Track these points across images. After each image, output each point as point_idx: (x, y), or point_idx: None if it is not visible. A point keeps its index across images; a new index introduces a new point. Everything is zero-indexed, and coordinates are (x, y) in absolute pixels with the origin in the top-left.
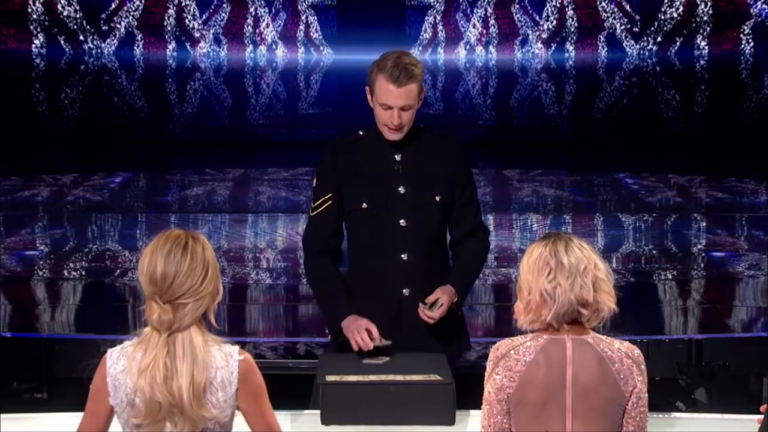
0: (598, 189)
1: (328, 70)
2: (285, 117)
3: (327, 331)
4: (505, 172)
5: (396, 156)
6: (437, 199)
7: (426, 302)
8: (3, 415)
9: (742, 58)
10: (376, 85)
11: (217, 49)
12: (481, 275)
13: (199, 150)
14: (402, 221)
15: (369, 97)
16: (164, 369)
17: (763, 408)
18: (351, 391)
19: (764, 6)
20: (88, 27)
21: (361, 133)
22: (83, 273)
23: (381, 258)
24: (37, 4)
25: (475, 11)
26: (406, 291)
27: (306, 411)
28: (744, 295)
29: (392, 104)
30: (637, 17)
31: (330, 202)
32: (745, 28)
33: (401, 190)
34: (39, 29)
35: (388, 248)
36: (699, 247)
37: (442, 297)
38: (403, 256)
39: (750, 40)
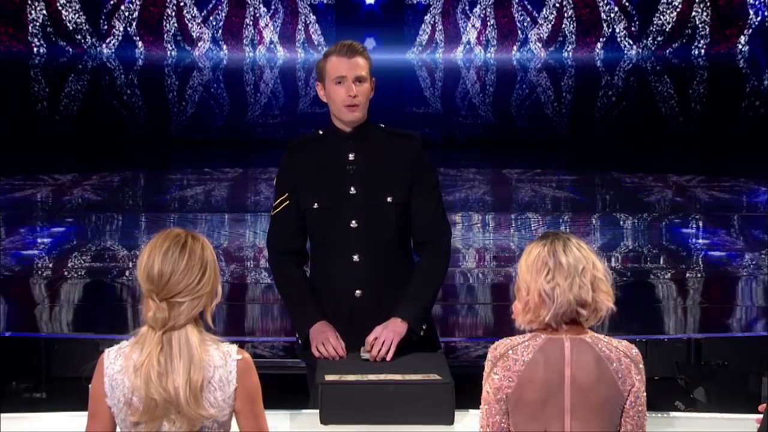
0: (596, 188)
1: None
2: (284, 116)
3: (296, 336)
4: (505, 172)
5: (350, 155)
6: (389, 200)
7: (366, 347)
8: (2, 415)
9: (740, 57)
10: (326, 68)
11: (216, 48)
12: (480, 275)
13: (198, 149)
14: (353, 222)
15: (321, 92)
16: (158, 366)
17: (762, 407)
18: (350, 391)
19: (763, 6)
20: (87, 27)
21: (320, 132)
22: (82, 272)
23: (333, 258)
24: (37, 5)
25: (474, 11)
26: (358, 292)
27: (305, 410)
28: (743, 294)
29: (345, 74)
30: (636, 17)
31: (287, 202)
32: (744, 28)
33: (352, 190)
34: (39, 29)
35: (339, 249)
36: (698, 246)
37: (383, 333)
38: (354, 257)
39: (749, 40)
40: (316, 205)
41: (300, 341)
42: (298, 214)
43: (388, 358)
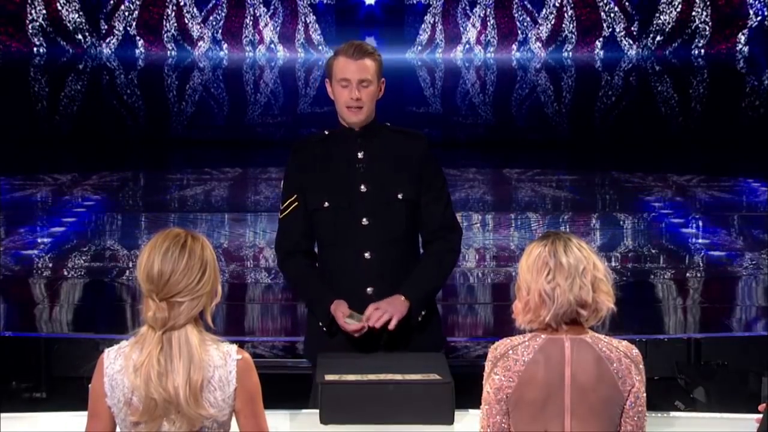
0: (596, 188)
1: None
2: (284, 116)
3: (321, 324)
4: (505, 172)
5: (359, 154)
6: (400, 197)
7: (366, 314)
8: (2, 415)
9: (740, 57)
10: (334, 67)
11: (216, 48)
12: (480, 275)
13: (198, 149)
14: (364, 220)
15: (329, 89)
16: (158, 366)
17: (761, 407)
18: (350, 391)
19: (762, 6)
20: (87, 27)
21: (326, 132)
22: (82, 272)
23: (344, 257)
24: (37, 5)
25: (474, 11)
26: (369, 290)
27: (305, 410)
28: (743, 294)
29: (350, 77)
30: (636, 17)
31: (296, 204)
32: (744, 28)
33: (363, 188)
34: (39, 29)
35: (351, 247)
36: (698, 246)
37: (385, 306)
38: (366, 254)
39: (748, 40)
40: (327, 204)
41: (325, 328)
42: (307, 215)
43: (390, 326)
